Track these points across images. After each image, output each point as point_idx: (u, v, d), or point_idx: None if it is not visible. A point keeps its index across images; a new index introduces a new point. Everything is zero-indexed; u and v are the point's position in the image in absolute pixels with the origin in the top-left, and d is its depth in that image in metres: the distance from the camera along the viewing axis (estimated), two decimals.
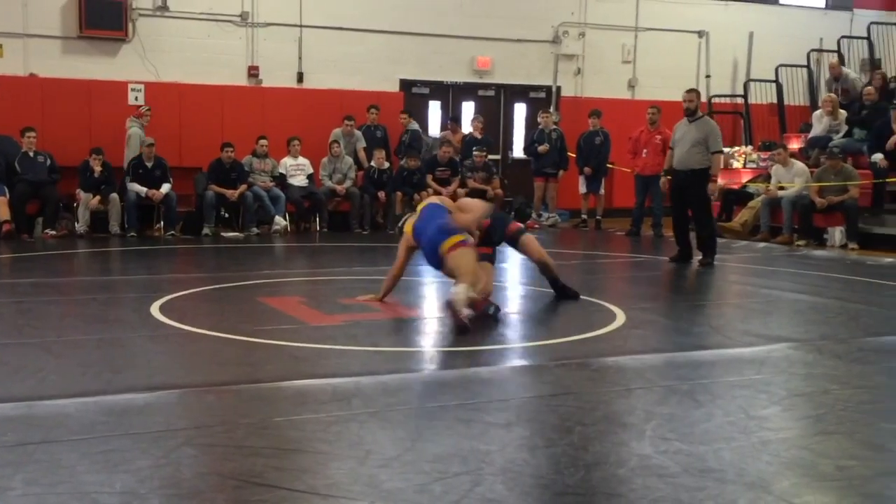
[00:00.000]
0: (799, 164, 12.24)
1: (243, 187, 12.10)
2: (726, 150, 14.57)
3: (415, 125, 13.85)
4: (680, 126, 9.75)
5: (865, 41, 16.29)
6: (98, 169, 11.53)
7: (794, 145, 13.64)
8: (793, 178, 12.05)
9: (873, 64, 15.15)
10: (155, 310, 6.28)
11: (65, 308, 6.70)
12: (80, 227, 11.43)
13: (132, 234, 11.47)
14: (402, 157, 13.23)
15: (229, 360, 5.07)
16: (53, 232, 11.26)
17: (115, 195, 11.57)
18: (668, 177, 10.18)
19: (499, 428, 3.81)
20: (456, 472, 3.22)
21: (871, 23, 16.56)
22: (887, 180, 11.70)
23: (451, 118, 14.77)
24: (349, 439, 3.58)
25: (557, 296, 7.12)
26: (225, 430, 3.68)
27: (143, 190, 11.64)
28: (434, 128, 15.06)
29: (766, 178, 12.91)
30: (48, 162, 11.58)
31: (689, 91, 9.79)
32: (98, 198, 11.49)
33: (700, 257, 9.52)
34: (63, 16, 12.71)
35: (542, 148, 13.77)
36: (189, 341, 5.47)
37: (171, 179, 11.93)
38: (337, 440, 3.57)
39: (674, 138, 9.84)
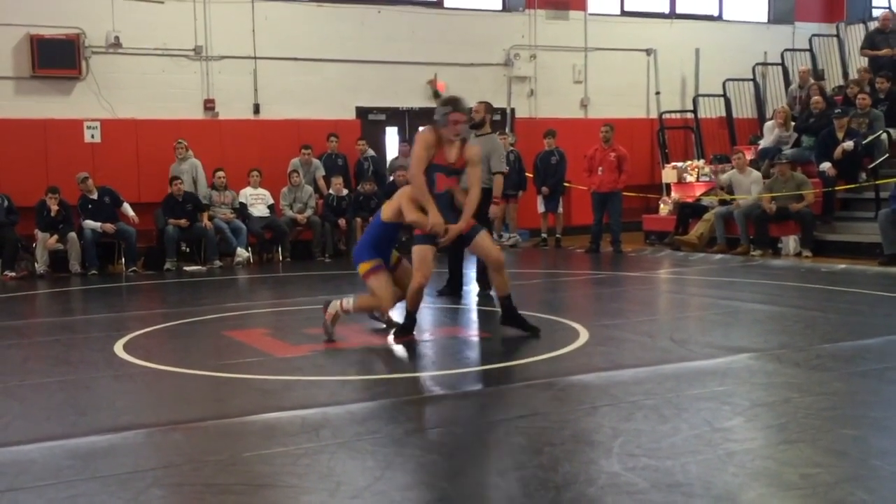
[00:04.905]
0: (755, 172, 12.49)
1: (205, 215, 12.06)
2: (679, 164, 14.84)
3: (371, 152, 13.95)
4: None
5: (808, 53, 16.67)
6: (55, 208, 11.40)
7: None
8: (750, 186, 12.28)
9: (817, 75, 15.51)
10: (119, 348, 6.23)
11: (27, 351, 6.62)
12: (39, 267, 11.30)
13: (93, 272, 11.35)
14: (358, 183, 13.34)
15: (196, 396, 5.05)
16: (13, 274, 11.11)
17: (73, 234, 11.45)
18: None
19: (468, 452, 3.84)
20: (427, 500, 3.24)
21: (813, 35, 16.97)
22: (836, 188, 11.95)
23: (404, 140, 14.88)
24: (319, 471, 3.59)
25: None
26: (193, 468, 3.67)
27: (96, 225, 11.54)
28: (392, 153, 15.12)
29: (722, 190, 13.10)
30: (5, 203, 11.44)
31: (479, 103, 8.80)
32: (56, 237, 11.37)
33: (479, 289, 8.66)
34: (15, 56, 12.60)
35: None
36: (154, 379, 5.44)
37: (123, 200, 11.92)
38: (307, 473, 3.58)
39: None
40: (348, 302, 6.38)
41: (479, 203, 7.49)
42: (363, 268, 6.37)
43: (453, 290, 8.67)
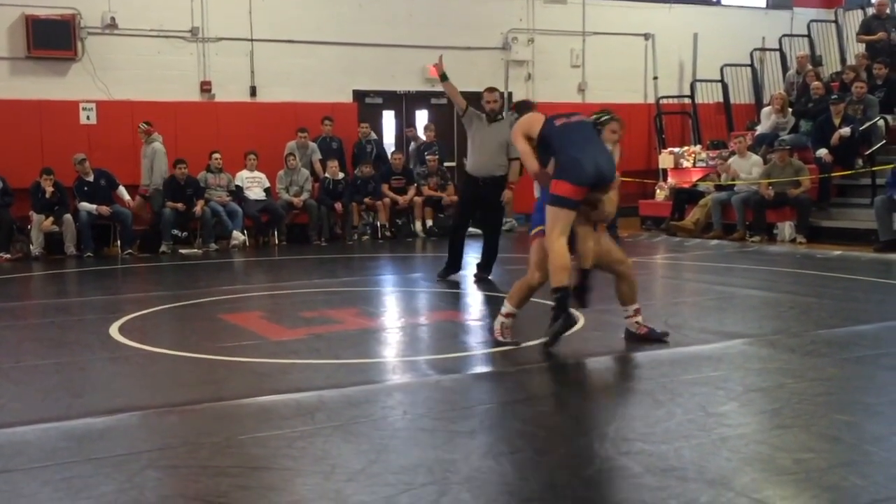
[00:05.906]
0: (755, 156, 12.52)
1: (201, 203, 12.02)
2: (676, 149, 14.83)
3: (374, 135, 13.93)
4: (479, 128, 8.45)
5: (806, 39, 16.63)
6: (50, 189, 11.36)
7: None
8: (750, 169, 12.31)
9: (814, 61, 15.49)
10: (114, 331, 6.22)
11: (22, 333, 6.62)
12: (35, 249, 11.27)
13: (89, 254, 11.32)
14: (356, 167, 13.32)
15: (191, 379, 5.05)
16: (8, 255, 11.08)
17: (68, 216, 11.42)
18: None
19: (463, 436, 3.84)
20: (422, 483, 3.25)
21: (811, 21, 16.92)
22: (833, 175, 11.95)
23: (408, 125, 14.89)
24: (314, 454, 3.60)
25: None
26: (188, 450, 3.67)
27: (92, 207, 11.51)
28: (389, 137, 15.11)
29: (718, 177, 13.10)
30: (0, 185, 11.41)
31: (492, 90, 8.59)
32: (51, 219, 11.34)
33: (477, 272, 8.62)
34: (10, 36, 12.52)
35: None
36: (150, 362, 5.44)
37: (119, 183, 11.90)
38: (302, 456, 3.59)
39: (471, 144, 8.55)
40: (507, 306, 5.64)
41: (492, 188, 8.27)
42: (535, 231, 5.69)
43: (451, 273, 8.68)
